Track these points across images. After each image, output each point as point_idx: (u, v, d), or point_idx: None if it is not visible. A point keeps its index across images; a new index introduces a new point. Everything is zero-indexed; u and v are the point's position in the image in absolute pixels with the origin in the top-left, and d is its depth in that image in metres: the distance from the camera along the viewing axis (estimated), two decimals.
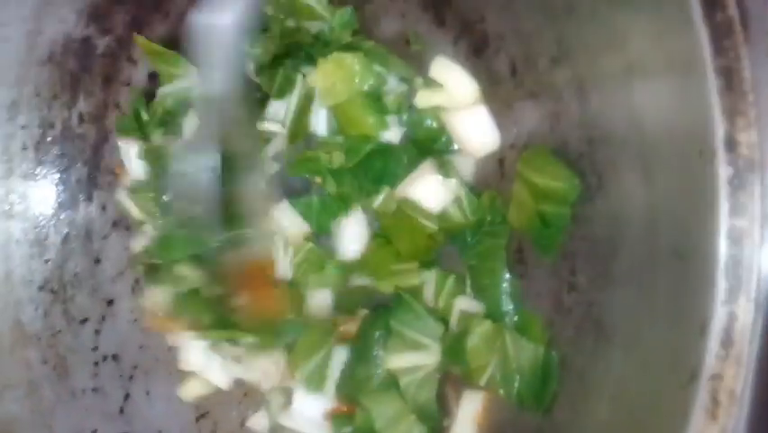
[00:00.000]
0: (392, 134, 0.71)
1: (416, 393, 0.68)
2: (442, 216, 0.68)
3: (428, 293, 0.70)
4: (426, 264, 0.71)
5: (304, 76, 0.73)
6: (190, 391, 0.87)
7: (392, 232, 0.72)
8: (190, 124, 0.83)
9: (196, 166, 0.72)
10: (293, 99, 0.73)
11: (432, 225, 0.68)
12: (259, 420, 0.84)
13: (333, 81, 0.69)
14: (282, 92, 0.74)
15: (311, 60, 0.72)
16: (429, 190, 0.67)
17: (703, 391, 0.39)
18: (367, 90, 0.68)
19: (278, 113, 0.75)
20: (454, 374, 0.69)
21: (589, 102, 0.57)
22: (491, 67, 0.68)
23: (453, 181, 0.68)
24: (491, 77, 0.68)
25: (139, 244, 0.89)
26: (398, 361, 0.69)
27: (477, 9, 0.67)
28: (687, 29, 0.40)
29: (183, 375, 0.89)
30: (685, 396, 0.40)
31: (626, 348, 0.51)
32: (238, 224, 0.76)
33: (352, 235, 0.73)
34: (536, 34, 0.61)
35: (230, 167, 0.71)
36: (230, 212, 0.74)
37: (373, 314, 0.72)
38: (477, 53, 0.69)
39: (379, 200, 0.71)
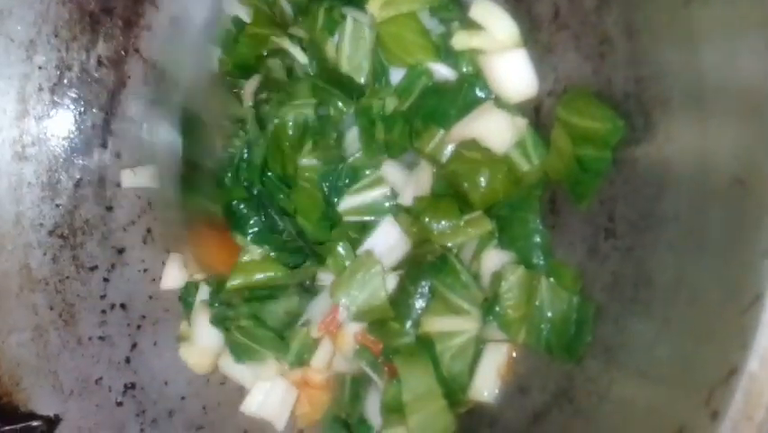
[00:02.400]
0: (447, 71, 0.69)
1: (450, 363, 0.66)
2: (505, 162, 0.64)
3: (467, 252, 0.68)
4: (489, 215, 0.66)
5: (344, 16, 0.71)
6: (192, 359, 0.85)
7: (460, 177, 0.65)
8: None
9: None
10: (345, 37, 0.70)
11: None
12: None
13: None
14: (329, 31, 0.72)
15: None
16: (494, 128, 0.62)
17: None
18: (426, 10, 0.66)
19: None
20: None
21: (640, 39, 0.55)
22: (533, 10, 0.66)
23: (521, 120, 0.64)
24: (532, 20, 0.66)
25: None
26: (437, 324, 0.66)
27: None
28: None
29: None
30: (747, 321, 0.39)
31: (671, 287, 0.49)
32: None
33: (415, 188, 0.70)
34: None
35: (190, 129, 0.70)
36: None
37: (415, 270, 0.69)
38: None
39: (431, 144, 0.67)
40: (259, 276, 0.76)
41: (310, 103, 0.71)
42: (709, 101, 0.47)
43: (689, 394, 0.43)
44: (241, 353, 0.76)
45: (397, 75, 0.73)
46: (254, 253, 0.78)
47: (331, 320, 0.71)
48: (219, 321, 0.77)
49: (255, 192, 0.77)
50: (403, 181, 0.72)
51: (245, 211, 0.78)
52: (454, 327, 0.66)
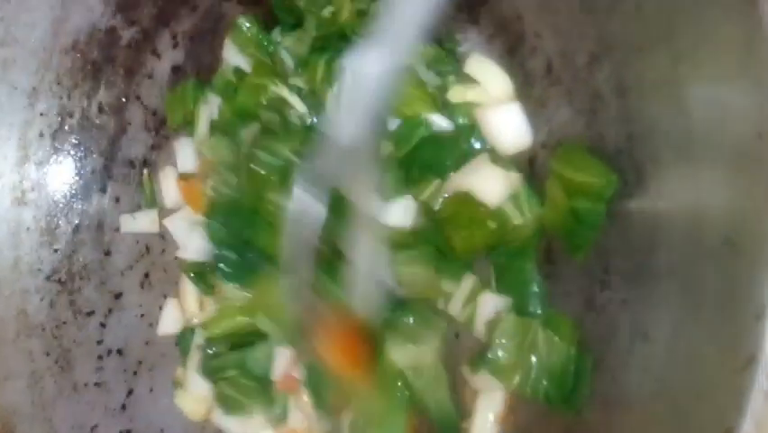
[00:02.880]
0: (444, 122, 0.70)
1: (425, 390, 0.67)
2: (497, 214, 0.65)
3: (458, 298, 0.69)
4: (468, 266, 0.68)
5: None
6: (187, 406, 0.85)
7: (447, 225, 0.67)
8: None
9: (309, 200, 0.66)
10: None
11: (491, 221, 0.64)
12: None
13: None
14: (328, 82, 0.73)
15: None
16: (488, 182, 0.64)
17: (762, 375, 0.38)
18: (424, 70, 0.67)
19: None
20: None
21: (630, 97, 0.56)
22: (526, 65, 0.68)
23: (515, 175, 0.65)
24: (526, 75, 0.68)
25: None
26: (401, 354, 0.67)
27: (513, 7, 0.68)
28: (748, 9, 0.40)
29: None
30: (740, 382, 0.39)
31: (667, 343, 0.50)
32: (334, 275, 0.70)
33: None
34: (575, 32, 0.61)
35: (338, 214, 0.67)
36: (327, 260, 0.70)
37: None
38: (511, 52, 0.69)
39: (426, 192, 0.68)
40: (240, 320, 0.76)
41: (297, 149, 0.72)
42: (699, 160, 0.49)
43: None
44: (228, 405, 0.76)
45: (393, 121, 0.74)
46: (236, 297, 0.78)
47: (288, 378, 0.71)
48: (207, 372, 0.77)
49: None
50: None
51: (223, 251, 0.78)
52: (417, 354, 0.67)
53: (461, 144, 0.69)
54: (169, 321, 0.88)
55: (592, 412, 0.57)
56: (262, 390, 0.74)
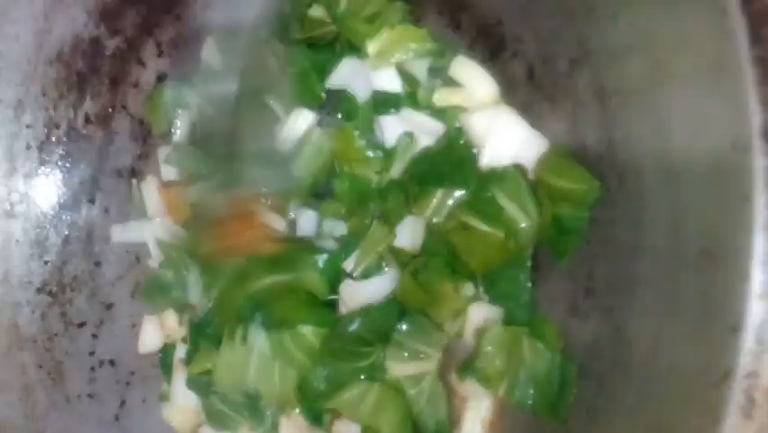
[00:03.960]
0: (435, 125, 0.70)
1: (427, 408, 0.66)
2: (503, 221, 0.63)
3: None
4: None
5: None
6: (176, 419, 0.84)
7: (459, 244, 0.65)
8: None
9: (214, 94, 0.70)
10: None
11: (497, 232, 0.63)
12: None
13: (394, 44, 0.68)
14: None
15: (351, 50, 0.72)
16: (520, 141, 0.63)
17: (738, 390, 0.37)
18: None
19: None
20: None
21: (610, 104, 0.56)
22: (507, 71, 0.67)
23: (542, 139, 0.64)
24: (507, 81, 0.67)
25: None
26: (400, 369, 0.67)
27: (494, 12, 0.67)
28: (720, 21, 0.40)
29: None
30: (717, 396, 0.39)
31: (649, 352, 0.50)
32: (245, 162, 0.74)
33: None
34: (556, 36, 0.61)
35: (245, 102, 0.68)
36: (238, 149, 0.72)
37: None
38: (493, 57, 0.69)
39: (429, 209, 0.67)
40: None
41: None
42: (677, 168, 0.48)
43: None
44: (218, 421, 0.76)
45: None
46: None
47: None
48: (195, 385, 0.77)
49: None
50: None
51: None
52: (417, 370, 0.66)
53: (456, 149, 0.68)
54: (149, 339, 0.88)
55: (578, 420, 0.57)
56: (252, 405, 0.74)
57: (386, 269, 0.69)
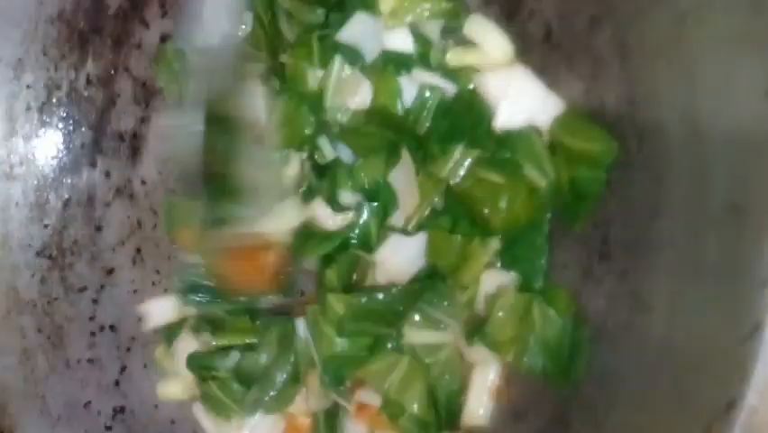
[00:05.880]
0: (448, 86, 0.68)
1: (440, 379, 0.66)
2: (522, 180, 0.62)
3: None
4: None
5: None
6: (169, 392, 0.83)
7: (477, 201, 0.63)
8: None
9: (183, 124, 0.67)
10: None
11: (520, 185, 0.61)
12: None
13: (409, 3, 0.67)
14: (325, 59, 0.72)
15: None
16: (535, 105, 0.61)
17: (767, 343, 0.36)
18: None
19: None
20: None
21: (632, 59, 0.54)
22: (524, 31, 0.65)
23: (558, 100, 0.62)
24: (524, 42, 0.66)
25: None
26: (418, 337, 0.66)
27: None
28: None
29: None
30: (744, 352, 0.38)
31: (667, 314, 0.48)
32: (231, 197, 0.72)
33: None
34: None
35: (217, 131, 0.67)
36: (219, 183, 0.70)
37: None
38: (509, 17, 0.67)
39: (447, 167, 0.65)
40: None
41: None
42: (704, 123, 0.47)
43: (687, 426, 0.42)
44: (213, 407, 0.75)
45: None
46: None
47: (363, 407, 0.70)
48: (194, 367, 0.75)
49: None
50: (407, 191, 0.70)
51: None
52: (435, 339, 0.66)
53: (476, 104, 0.66)
54: (157, 315, 0.86)
55: (589, 385, 0.56)
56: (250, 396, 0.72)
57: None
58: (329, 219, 0.73)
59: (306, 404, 0.73)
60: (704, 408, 0.40)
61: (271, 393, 0.70)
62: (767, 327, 0.36)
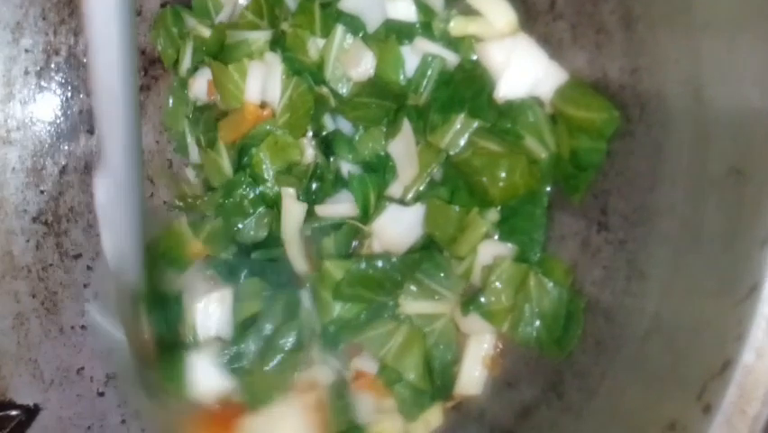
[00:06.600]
0: (450, 56, 0.67)
1: (435, 347, 0.66)
2: (523, 150, 0.61)
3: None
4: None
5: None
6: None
7: (475, 171, 0.62)
8: None
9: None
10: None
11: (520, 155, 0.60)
12: None
13: None
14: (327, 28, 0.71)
15: None
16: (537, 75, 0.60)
17: (765, 303, 0.36)
18: None
19: None
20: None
21: (637, 29, 0.54)
22: (528, 0, 0.65)
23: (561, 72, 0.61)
24: (528, 11, 0.65)
25: None
26: (415, 307, 0.66)
27: None
28: None
29: None
30: (741, 312, 0.38)
31: (665, 280, 0.48)
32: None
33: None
34: None
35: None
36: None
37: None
38: None
39: (447, 137, 0.64)
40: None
41: None
42: (707, 91, 0.47)
43: (681, 388, 0.42)
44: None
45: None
46: None
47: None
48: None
49: None
50: (406, 162, 0.69)
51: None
52: (431, 309, 0.66)
53: (477, 74, 0.65)
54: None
55: (583, 354, 0.56)
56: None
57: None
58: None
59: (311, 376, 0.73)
60: (699, 369, 0.40)
61: (278, 357, 0.69)
62: (765, 286, 0.36)
